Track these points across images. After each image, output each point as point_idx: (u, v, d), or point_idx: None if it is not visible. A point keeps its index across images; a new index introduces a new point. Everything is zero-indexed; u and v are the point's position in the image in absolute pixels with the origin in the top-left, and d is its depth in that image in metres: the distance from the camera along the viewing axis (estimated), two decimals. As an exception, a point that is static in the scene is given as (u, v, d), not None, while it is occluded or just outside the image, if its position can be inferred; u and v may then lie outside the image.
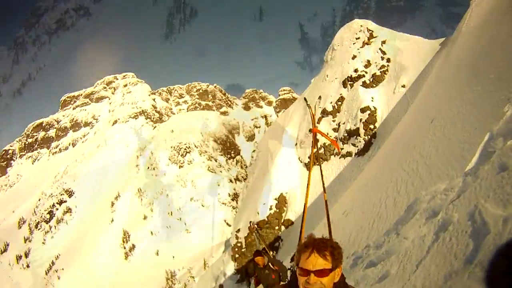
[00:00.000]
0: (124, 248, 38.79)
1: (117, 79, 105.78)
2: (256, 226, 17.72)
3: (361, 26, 26.33)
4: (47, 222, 45.87)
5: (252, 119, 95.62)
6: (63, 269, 40.46)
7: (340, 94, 23.13)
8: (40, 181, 68.19)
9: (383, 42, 24.18)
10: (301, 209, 20.13)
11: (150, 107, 74.65)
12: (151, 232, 38.44)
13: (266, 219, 23.42)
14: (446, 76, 12.29)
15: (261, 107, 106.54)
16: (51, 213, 46.85)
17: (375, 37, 24.96)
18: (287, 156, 25.53)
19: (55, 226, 44.74)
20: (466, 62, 10.25)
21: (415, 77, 20.86)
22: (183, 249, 36.32)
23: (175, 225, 38.06)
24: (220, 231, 33.12)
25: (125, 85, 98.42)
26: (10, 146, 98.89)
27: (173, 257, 36.25)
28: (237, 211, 30.24)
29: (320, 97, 25.39)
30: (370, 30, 25.82)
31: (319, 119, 23.26)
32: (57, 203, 48.36)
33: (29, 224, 48.43)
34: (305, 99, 18.36)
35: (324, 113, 23.00)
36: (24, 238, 45.16)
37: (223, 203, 36.08)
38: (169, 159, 46.77)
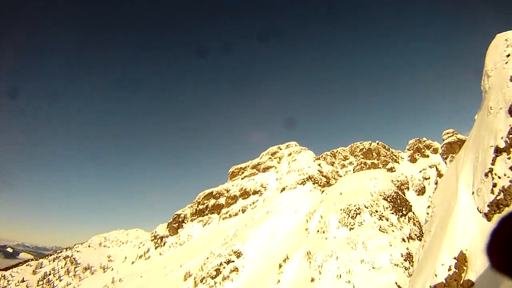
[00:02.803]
0: None
1: (281, 149, 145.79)
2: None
3: (506, 40, 29.77)
4: (212, 278, 61.89)
5: (420, 171, 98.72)
6: (222, 322, 52.51)
7: (510, 126, 26.75)
8: (210, 242, 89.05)
9: (536, 47, 26.85)
10: (483, 268, 24.29)
11: (316, 172, 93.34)
12: None
13: (445, 282, 27.64)
14: None
15: (428, 156, 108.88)
16: (218, 271, 63.25)
17: (525, 46, 27.91)
18: (464, 208, 29.23)
19: (220, 282, 61.45)
20: None
21: None
22: (350, 313, 42.59)
23: None
24: (391, 294, 38.81)
25: (290, 154, 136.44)
26: (182, 211, 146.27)
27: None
28: (412, 273, 35.62)
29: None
30: (517, 41, 28.84)
31: (493, 159, 27.37)
32: (224, 262, 65.54)
33: (194, 278, 70.38)
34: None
35: (497, 151, 27.25)
36: None
37: (395, 265, 42.80)
38: (339, 221, 59.49)
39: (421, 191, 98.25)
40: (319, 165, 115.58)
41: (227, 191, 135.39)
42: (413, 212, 67.40)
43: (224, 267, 67.73)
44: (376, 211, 59.02)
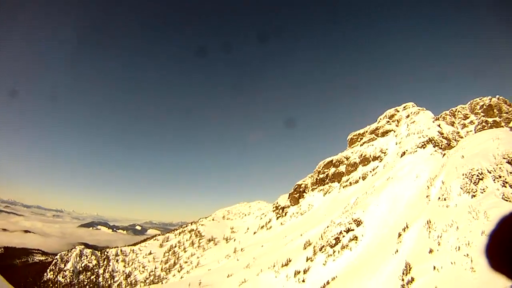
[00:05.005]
0: (402, 280, 50.45)
1: (398, 111, 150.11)
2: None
3: None
4: (331, 246, 69.24)
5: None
6: (334, 289, 65.46)
7: None
8: (330, 210, 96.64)
9: None
10: None
11: (437, 134, 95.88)
12: (434, 267, 46.34)
13: None
14: None
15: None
16: (337, 239, 71.02)
17: None
18: None
19: (338, 251, 68.30)
20: None
21: None
22: (466, 290, 47.51)
23: (460, 261, 44.32)
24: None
25: (408, 116, 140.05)
26: (303, 181, 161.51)
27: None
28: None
29: None
30: None
31: None
32: (344, 231, 72.96)
33: (314, 246, 76.69)
34: None
35: None
36: (307, 257, 74.78)
37: (516, 240, 42.85)
38: (461, 188, 61.17)
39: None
40: (439, 126, 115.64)
41: (347, 159, 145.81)
42: (540, 179, 64.77)
43: (343, 236, 74.70)
44: (500, 177, 58.82)
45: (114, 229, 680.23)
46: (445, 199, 61.74)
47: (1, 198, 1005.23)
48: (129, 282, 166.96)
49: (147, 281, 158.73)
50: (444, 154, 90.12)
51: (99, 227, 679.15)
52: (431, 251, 50.76)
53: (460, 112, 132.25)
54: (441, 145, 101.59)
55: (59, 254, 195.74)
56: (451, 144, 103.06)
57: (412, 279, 46.92)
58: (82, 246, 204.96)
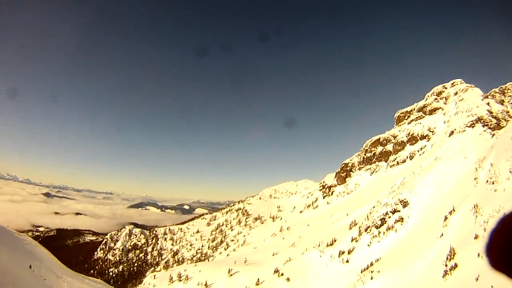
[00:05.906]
0: (446, 266, 50.22)
1: (446, 88, 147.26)
2: None
3: None
4: (377, 227, 70.22)
5: None
6: (378, 271, 61.53)
7: None
8: (377, 190, 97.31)
9: None
10: None
11: (486, 112, 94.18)
12: (478, 254, 45.34)
13: None
14: None
15: None
16: (382, 220, 71.86)
17: None
18: None
19: (384, 232, 69.48)
20: None
21: None
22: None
23: (505, 251, 43.70)
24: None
25: (456, 93, 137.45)
26: (350, 160, 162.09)
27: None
28: None
29: None
30: None
31: None
32: (390, 211, 73.62)
33: (359, 227, 77.84)
34: None
35: None
36: (352, 238, 76.04)
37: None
38: (510, 171, 59.23)
39: None
40: (488, 104, 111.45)
41: (394, 137, 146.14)
42: None
43: (389, 217, 75.83)
44: (553, 161, 56.71)
45: (163, 209, 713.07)
46: (493, 183, 60.13)
47: (53, 184, 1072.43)
48: (176, 260, 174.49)
49: (194, 258, 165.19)
50: (494, 135, 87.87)
51: (148, 207, 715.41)
52: (476, 237, 49.56)
53: (510, 90, 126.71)
54: (490, 125, 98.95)
55: (109, 234, 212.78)
56: (500, 124, 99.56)
57: (456, 265, 46.60)
58: (132, 226, 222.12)
